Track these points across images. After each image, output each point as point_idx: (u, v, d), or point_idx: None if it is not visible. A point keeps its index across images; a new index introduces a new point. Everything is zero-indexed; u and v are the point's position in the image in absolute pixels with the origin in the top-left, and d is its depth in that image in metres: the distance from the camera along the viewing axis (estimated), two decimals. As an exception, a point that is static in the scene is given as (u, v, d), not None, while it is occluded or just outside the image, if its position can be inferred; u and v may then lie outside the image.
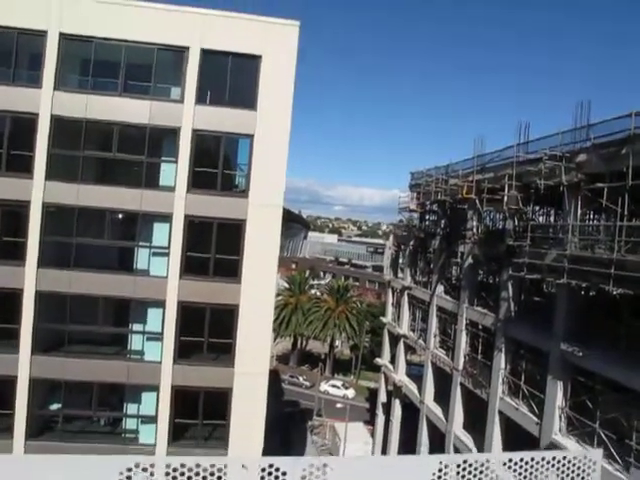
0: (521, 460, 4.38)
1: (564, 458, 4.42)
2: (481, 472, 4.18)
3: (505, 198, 26.51)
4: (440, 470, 4.11)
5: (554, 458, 4.39)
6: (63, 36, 23.47)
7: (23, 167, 23.66)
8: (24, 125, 24.18)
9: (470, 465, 4.14)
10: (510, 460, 4.37)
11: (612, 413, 20.35)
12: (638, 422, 19.58)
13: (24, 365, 23.85)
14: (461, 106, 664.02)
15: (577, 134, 21.95)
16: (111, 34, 23.52)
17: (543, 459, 4.33)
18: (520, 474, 4.35)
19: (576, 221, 22.23)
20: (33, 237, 23.67)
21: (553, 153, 22.90)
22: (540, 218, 32.06)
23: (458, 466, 4.30)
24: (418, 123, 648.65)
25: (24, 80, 24.42)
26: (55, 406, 25.43)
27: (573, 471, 4.39)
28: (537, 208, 30.02)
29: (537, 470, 4.33)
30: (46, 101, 23.48)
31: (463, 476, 4.25)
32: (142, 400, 25.18)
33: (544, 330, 24.45)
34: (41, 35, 23.40)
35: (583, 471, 4.45)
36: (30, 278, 23.74)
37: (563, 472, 4.36)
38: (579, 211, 22.24)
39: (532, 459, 4.42)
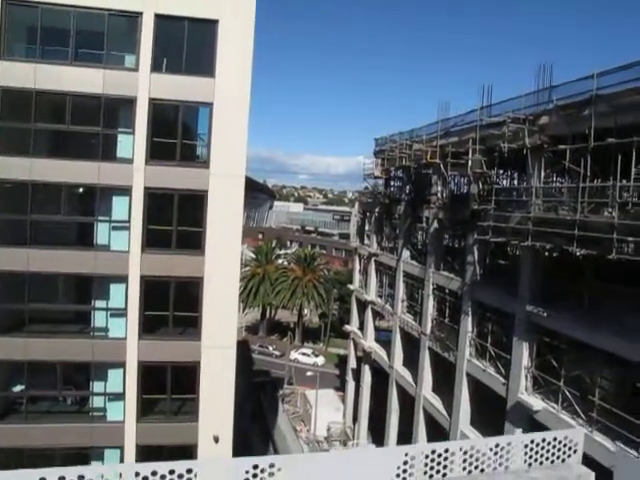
0: (497, 446, 4.17)
1: (543, 441, 4.23)
2: (451, 462, 3.97)
3: (469, 162, 26.54)
4: (405, 463, 3.89)
5: (532, 441, 4.19)
6: (6, 2, 22.15)
7: (-30, 142, 22.51)
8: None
9: (440, 455, 3.92)
10: (487, 446, 4.14)
11: (576, 371, 20.84)
12: (600, 379, 20.10)
13: (-17, 347, 23.11)
14: (426, 70, 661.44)
15: (540, 96, 21.91)
16: (58, -1, 22.29)
17: (522, 443, 4.14)
18: (501, 457, 4.14)
19: (539, 183, 22.37)
20: (-15, 215, 22.70)
21: (516, 116, 22.89)
22: (504, 181, 32.23)
23: (427, 457, 4.05)
24: (383, 89, 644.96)
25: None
26: (18, 387, 24.79)
27: (553, 454, 4.20)
28: (501, 172, 30.10)
29: (515, 455, 4.12)
30: (-10, 71, 22.24)
31: (432, 467, 4.03)
32: (108, 377, 24.71)
33: (509, 293, 24.78)
34: (-18, 1, 22.04)
35: (564, 453, 4.25)
36: (-16, 258, 22.83)
37: (542, 455, 4.18)
38: (542, 173, 22.36)
39: (509, 444, 4.22)
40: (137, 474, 3.42)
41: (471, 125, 27.25)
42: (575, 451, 4.29)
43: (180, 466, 3.20)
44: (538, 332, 22.74)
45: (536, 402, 22.43)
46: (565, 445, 4.29)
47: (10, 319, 23.75)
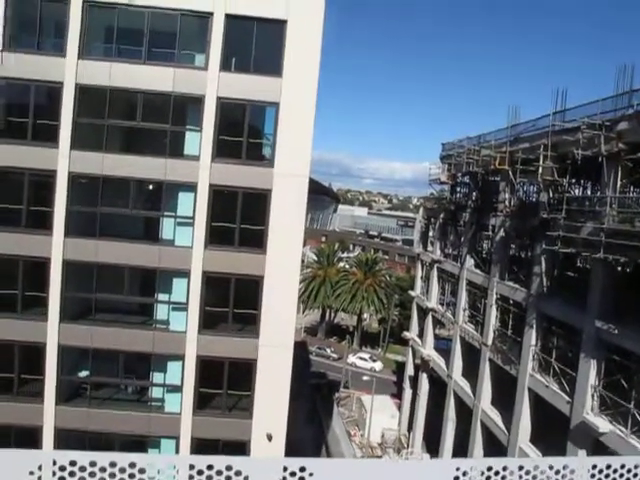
0: (565, 468, 3.67)
1: (622, 467, 3.64)
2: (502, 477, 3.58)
3: (540, 169, 25.56)
4: (456, 478, 3.56)
5: (609, 467, 3.62)
6: (87, 3, 23.06)
7: (49, 137, 23.54)
8: (49, 94, 24.11)
9: (497, 473, 3.54)
10: (553, 468, 3.65)
11: (647, 393, 19.66)
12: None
13: (53, 332, 24.12)
14: (495, 75, 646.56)
15: (618, 101, 20.83)
16: (134, 0, 23.01)
17: (594, 467, 3.65)
18: None
19: (615, 193, 21.26)
20: (60, 207, 23.68)
21: (592, 122, 21.83)
22: (576, 190, 30.90)
23: (482, 474, 3.64)
24: (451, 94, 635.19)
25: (49, 49, 24.19)
26: (84, 373, 25.78)
27: None
28: (573, 180, 28.85)
29: None
30: (71, 70, 23.20)
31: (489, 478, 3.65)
32: (168, 369, 25.31)
33: (578, 307, 23.68)
34: (64, 3, 23.03)
35: None
36: (57, 247, 23.83)
37: None
38: (618, 182, 21.25)
39: (608, 466, 3.65)
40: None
41: (543, 131, 26.23)
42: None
43: (220, 462, 3.08)
44: (607, 349, 21.60)
45: (603, 424, 21.29)
46: (640, 475, 3.59)
47: (78, 307, 24.71)
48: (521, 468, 3.69)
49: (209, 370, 24.85)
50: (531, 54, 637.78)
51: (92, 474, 2.81)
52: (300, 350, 52.34)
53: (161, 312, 25.11)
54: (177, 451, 24.81)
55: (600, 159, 21.68)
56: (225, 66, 23.60)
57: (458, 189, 41.55)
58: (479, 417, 32.83)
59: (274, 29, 23.40)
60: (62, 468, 2.83)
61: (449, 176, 40.35)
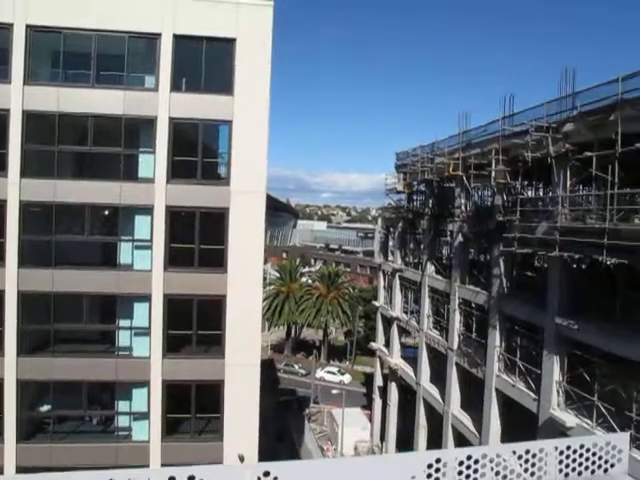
0: (527, 452, 3.79)
1: (581, 447, 3.78)
2: (483, 466, 3.61)
3: (492, 173, 26.16)
4: (430, 466, 3.57)
5: (569, 448, 3.76)
6: (30, 28, 22.63)
7: (-3, 165, 22.90)
8: (-5, 122, 23.46)
9: (461, 463, 3.58)
10: (514, 453, 3.76)
11: (610, 385, 20.13)
12: (637, 392, 19.37)
13: (10, 367, 23.25)
14: (444, 82, 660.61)
15: (563, 103, 21.53)
16: (80, 24, 22.70)
17: (557, 450, 3.76)
18: (532, 465, 3.71)
19: (566, 192, 21.89)
20: (12, 236, 22.98)
21: (539, 124, 22.50)
22: (529, 192, 31.70)
23: (461, 463, 3.70)
24: (402, 103, 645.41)
25: (-7, 75, 23.60)
26: (45, 407, 24.87)
27: (594, 462, 3.74)
28: (525, 182, 29.60)
29: (546, 463, 3.71)
30: (16, 96, 22.64)
31: (460, 472, 3.69)
32: (133, 396, 24.69)
33: (538, 305, 24.19)
34: (7, 28, 22.55)
35: (605, 462, 3.74)
36: (11, 279, 23.09)
37: (581, 464, 3.74)
38: (568, 182, 21.89)
39: (541, 450, 3.81)
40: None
41: (493, 135, 26.91)
42: (619, 460, 3.77)
43: (181, 472, 3.00)
44: (569, 345, 22.09)
45: (569, 418, 21.71)
46: (607, 452, 3.76)
47: (36, 339, 23.92)
48: (485, 456, 3.75)
49: (176, 394, 24.35)
50: (478, 58, 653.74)
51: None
52: (267, 368, 51.92)
53: (123, 338, 24.53)
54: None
55: (549, 160, 22.31)
56: (176, 86, 23.46)
57: (415, 197, 42.12)
58: (450, 422, 33.07)
59: (223, 47, 23.41)
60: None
61: (405, 185, 40.89)
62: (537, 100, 23.11)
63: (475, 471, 3.61)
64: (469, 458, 3.59)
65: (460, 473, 3.57)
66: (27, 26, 22.56)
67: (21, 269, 23.11)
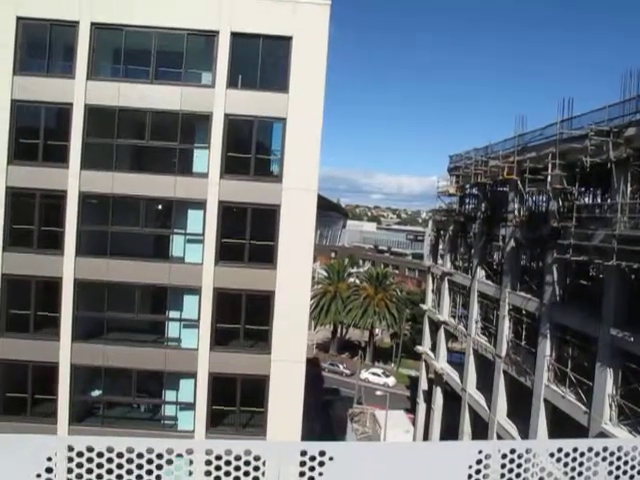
0: (559, 451, 3.70)
1: (634, 449, 3.68)
2: (526, 461, 3.55)
3: (548, 178, 25.49)
4: (479, 462, 3.51)
5: (620, 449, 3.66)
6: (94, 25, 23.45)
7: (59, 157, 23.83)
8: (59, 115, 24.45)
9: (513, 452, 3.52)
10: (560, 450, 3.67)
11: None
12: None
13: (65, 352, 24.15)
14: (501, 86, 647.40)
15: (625, 107, 20.78)
16: (141, 22, 23.39)
17: (591, 450, 3.66)
18: (580, 465, 3.64)
19: (625, 199, 21.12)
20: (70, 226, 23.86)
21: (600, 128, 21.77)
22: (586, 198, 30.74)
23: (504, 456, 3.66)
24: (456, 106, 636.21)
25: (58, 71, 24.60)
26: (96, 392, 25.73)
27: (631, 465, 3.65)
28: (583, 188, 28.74)
29: (582, 464, 3.63)
30: (80, 91, 23.53)
31: (503, 465, 3.65)
32: (180, 387, 25.23)
33: (592, 315, 23.42)
34: (73, 26, 23.42)
35: None
36: (69, 267, 23.97)
37: (618, 467, 3.65)
38: (629, 188, 21.12)
39: (575, 450, 3.72)
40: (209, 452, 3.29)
41: (550, 139, 26.21)
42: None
43: (237, 445, 3.05)
44: (624, 358, 21.31)
45: (622, 434, 20.95)
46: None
47: (90, 326, 24.73)
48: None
49: (222, 387, 24.75)
50: (535, 63, 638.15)
51: (110, 460, 2.79)
52: (312, 366, 52.11)
53: (172, 329, 25.12)
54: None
55: (609, 165, 21.58)
56: (232, 83, 23.84)
57: (467, 201, 41.48)
58: (495, 430, 32.40)
59: (280, 45, 23.67)
60: (79, 454, 2.82)
61: (457, 188, 40.32)
62: (598, 106, 22.40)
63: (518, 465, 3.54)
64: (513, 452, 3.53)
65: (503, 466, 3.51)
66: (92, 24, 23.38)
67: (78, 258, 23.94)
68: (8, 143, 23.49)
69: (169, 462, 3.22)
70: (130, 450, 2.93)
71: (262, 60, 23.95)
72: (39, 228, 24.19)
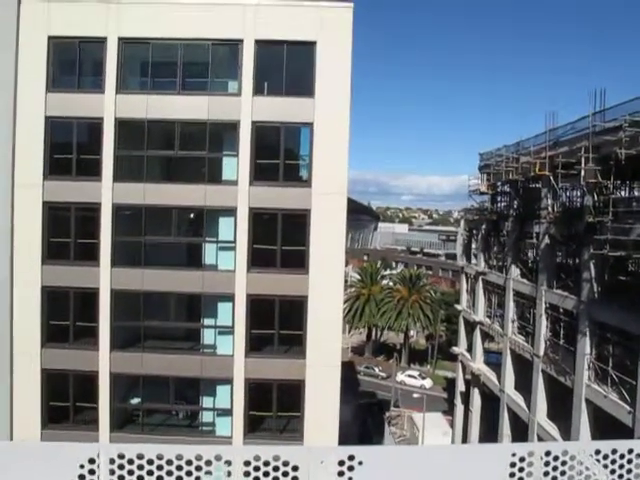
0: (597, 452, 3.60)
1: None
2: (569, 466, 3.45)
3: (582, 172, 24.98)
4: (513, 465, 3.44)
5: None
6: (122, 40, 23.89)
7: (92, 170, 24.34)
8: (90, 130, 24.97)
9: (554, 458, 3.42)
10: (598, 452, 3.57)
11: None
12: None
13: (104, 361, 24.61)
14: (530, 81, 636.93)
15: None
16: (166, 34, 23.76)
17: (631, 452, 3.55)
18: (621, 467, 3.52)
19: (663, 191, 20.58)
20: (105, 238, 24.33)
21: (634, 119, 21.26)
22: (622, 192, 30.04)
23: (541, 458, 3.58)
24: (484, 103, 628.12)
25: (88, 86, 25.17)
26: (135, 400, 26.13)
27: None
28: (618, 181, 28.11)
29: (622, 466, 3.50)
30: (109, 105, 24.01)
31: (546, 472, 3.55)
32: (217, 393, 25.46)
33: (633, 311, 22.84)
34: (101, 41, 23.92)
35: None
36: (105, 278, 24.43)
37: None
38: (666, 180, 20.57)
39: (614, 451, 3.61)
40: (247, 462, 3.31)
41: (583, 133, 25.70)
42: None
43: (266, 451, 3.06)
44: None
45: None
46: None
47: (128, 335, 25.15)
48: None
49: (258, 392, 24.90)
50: (563, 59, 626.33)
51: (140, 467, 2.84)
52: (348, 370, 51.98)
53: (208, 336, 25.37)
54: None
55: (645, 157, 21.08)
56: (258, 90, 24.02)
57: (499, 199, 40.93)
58: (535, 431, 31.81)
59: (304, 51, 23.74)
60: (112, 461, 2.87)
61: (489, 186, 39.84)
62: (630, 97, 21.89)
63: (562, 472, 3.46)
64: (548, 454, 3.44)
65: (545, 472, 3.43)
66: (119, 39, 23.84)
67: (113, 268, 24.39)
68: (43, 159, 24.10)
69: (207, 465, 3.25)
70: (160, 457, 2.98)
71: (287, 66, 24.05)
72: (75, 240, 24.72)
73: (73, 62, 24.43)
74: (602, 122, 23.93)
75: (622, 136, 21.74)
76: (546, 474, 3.49)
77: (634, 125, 21.25)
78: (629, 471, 3.52)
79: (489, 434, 39.57)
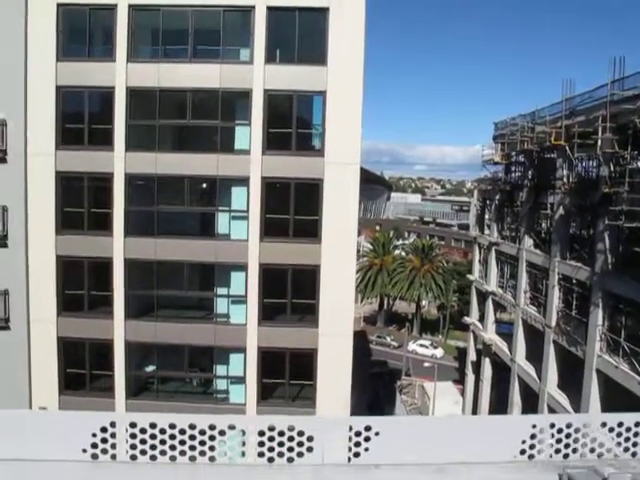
0: (603, 425, 3.61)
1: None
2: (583, 435, 3.46)
3: (599, 142, 24.57)
4: (533, 436, 3.46)
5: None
6: (132, 7, 23.54)
7: (104, 140, 24.28)
8: (102, 99, 24.84)
9: (568, 426, 3.44)
10: (604, 424, 3.58)
11: None
12: None
13: (119, 330, 24.92)
14: (546, 49, 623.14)
15: (681, 64, 19.74)
16: (177, 1, 23.41)
17: (638, 424, 3.55)
18: (626, 439, 3.55)
19: (682, 161, 20.22)
20: (118, 207, 24.40)
21: (653, 87, 20.80)
22: (639, 162, 29.55)
23: (552, 426, 3.59)
24: (499, 71, 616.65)
25: (99, 55, 24.95)
26: (150, 368, 26.53)
27: None
28: (635, 152, 27.62)
29: (628, 439, 3.51)
30: (121, 74, 23.79)
31: (559, 440, 3.57)
32: (230, 361, 25.76)
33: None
34: (111, 9, 23.61)
35: None
36: (118, 247, 24.58)
37: None
38: (685, 150, 20.19)
39: (637, 424, 3.62)
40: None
41: (600, 102, 25.20)
42: None
43: (281, 421, 3.09)
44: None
45: (679, 403, 20.40)
46: None
47: (141, 304, 25.42)
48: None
49: (271, 361, 25.14)
50: (583, 30, 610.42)
51: (153, 436, 2.88)
52: (360, 339, 52.35)
53: (221, 306, 25.56)
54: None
55: (664, 126, 20.67)
56: (270, 58, 23.69)
57: (513, 169, 40.47)
58: (545, 401, 32.01)
59: (316, 17, 23.32)
60: (125, 430, 2.92)
61: (503, 156, 39.37)
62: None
63: (574, 440, 3.47)
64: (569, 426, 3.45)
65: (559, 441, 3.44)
66: (129, 5, 23.50)
67: (127, 238, 24.52)
68: (55, 129, 24.06)
69: (221, 434, 3.29)
70: (172, 426, 3.02)
71: (299, 33, 23.61)
72: (88, 210, 24.85)
73: (83, 30, 24.11)
74: (621, 91, 23.43)
75: (641, 105, 21.32)
76: (558, 441, 3.51)
77: (654, 93, 20.81)
78: (635, 444, 3.53)
79: (499, 403, 39.91)
